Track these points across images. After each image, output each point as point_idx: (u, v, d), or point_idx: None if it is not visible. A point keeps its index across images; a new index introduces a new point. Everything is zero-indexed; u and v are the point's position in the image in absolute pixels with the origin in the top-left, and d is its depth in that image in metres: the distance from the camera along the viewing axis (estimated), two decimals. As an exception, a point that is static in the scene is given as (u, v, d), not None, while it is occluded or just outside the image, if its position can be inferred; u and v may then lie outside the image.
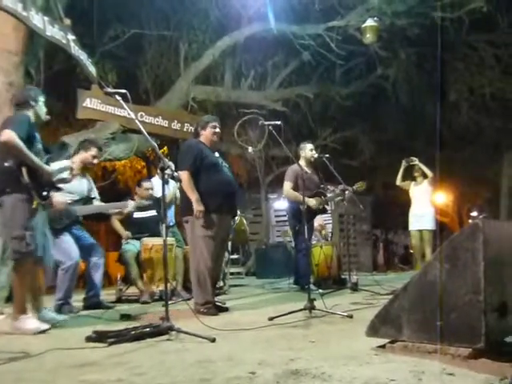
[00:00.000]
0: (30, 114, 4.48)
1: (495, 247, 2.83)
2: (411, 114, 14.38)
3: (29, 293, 4.37)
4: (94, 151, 6.14)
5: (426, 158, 9.94)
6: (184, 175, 5.19)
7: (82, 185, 6.01)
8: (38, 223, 4.32)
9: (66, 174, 5.09)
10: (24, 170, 4.15)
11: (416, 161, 9.46)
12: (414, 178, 9.70)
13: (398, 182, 9.68)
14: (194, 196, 5.15)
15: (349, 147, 15.82)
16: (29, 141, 4.23)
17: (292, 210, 7.50)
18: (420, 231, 9.48)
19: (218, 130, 5.58)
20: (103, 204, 6.37)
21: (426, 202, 9.53)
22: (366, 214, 16.31)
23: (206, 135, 5.53)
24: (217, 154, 5.57)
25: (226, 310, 5.40)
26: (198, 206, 5.12)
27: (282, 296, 7.20)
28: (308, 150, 7.61)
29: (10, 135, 4.08)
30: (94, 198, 6.23)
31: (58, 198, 5.13)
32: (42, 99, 4.62)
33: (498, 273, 2.87)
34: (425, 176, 9.57)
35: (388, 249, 22.26)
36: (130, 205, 6.43)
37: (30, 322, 4.20)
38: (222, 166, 5.49)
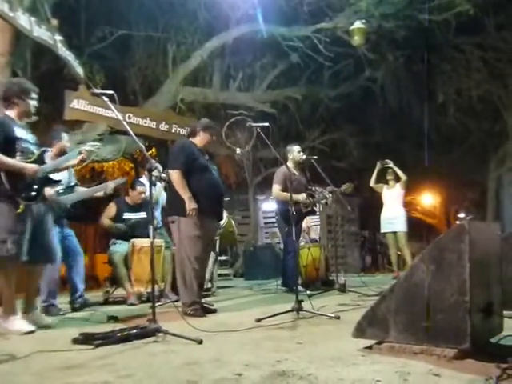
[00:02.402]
0: (12, 112, 4.38)
1: (481, 248, 2.85)
2: (399, 115, 14.45)
3: (24, 294, 4.43)
4: (66, 137, 6.03)
5: (413, 160, 9.99)
6: (175, 174, 5.16)
7: (63, 173, 5.89)
8: (28, 226, 4.23)
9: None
10: (3, 176, 4.12)
11: (390, 163, 9.53)
12: (386, 182, 9.77)
13: (372, 183, 9.76)
14: (186, 194, 5.09)
15: (337, 149, 15.87)
16: (7, 142, 4.19)
17: (281, 211, 7.49)
18: (394, 233, 9.58)
19: (214, 138, 5.57)
20: (86, 189, 6.32)
21: (398, 205, 9.65)
22: (354, 215, 16.35)
23: (203, 138, 5.45)
24: (207, 157, 5.51)
25: (213, 311, 5.37)
26: (190, 204, 5.05)
27: (270, 297, 7.19)
28: (296, 153, 7.60)
29: None
30: (75, 185, 6.16)
31: (47, 192, 4.78)
32: (32, 95, 4.44)
33: (484, 274, 2.89)
34: (397, 180, 9.65)
35: (376, 250, 22.29)
36: (110, 185, 6.43)
37: (17, 323, 4.18)
38: (211, 168, 5.44)
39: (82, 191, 6.21)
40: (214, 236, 5.85)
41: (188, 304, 5.11)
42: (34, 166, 4.24)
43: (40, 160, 4.38)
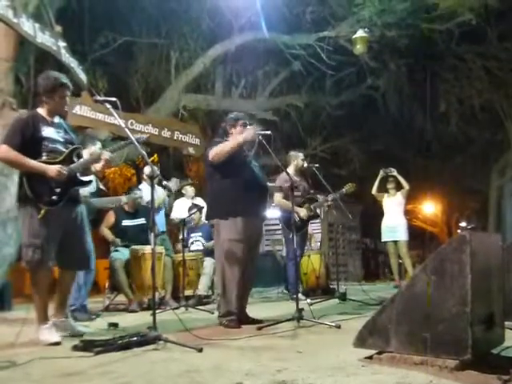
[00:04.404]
0: (42, 109, 4.22)
1: (482, 259, 2.84)
2: (401, 124, 14.46)
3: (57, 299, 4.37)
4: (99, 144, 5.87)
5: (415, 168, 9.97)
6: (212, 153, 4.92)
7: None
8: (54, 231, 4.07)
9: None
10: (24, 179, 4.01)
11: (394, 172, 9.44)
12: (386, 190, 9.73)
13: (374, 191, 9.69)
14: (235, 140, 4.89)
15: (338, 157, 15.88)
16: (33, 143, 4.04)
17: (284, 219, 7.49)
18: (395, 242, 9.54)
19: (249, 127, 5.15)
20: (102, 198, 6.34)
21: (400, 213, 9.60)
22: (355, 223, 16.35)
23: (236, 134, 5.12)
24: (246, 152, 5.20)
25: (259, 322, 4.87)
26: (248, 132, 4.88)
27: (271, 305, 7.19)
28: (300, 160, 7.59)
29: (0, 152, 4.01)
30: (101, 190, 6.13)
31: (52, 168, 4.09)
32: (60, 92, 4.19)
33: (485, 285, 2.89)
34: (398, 188, 9.62)
35: (377, 258, 22.26)
36: (123, 199, 6.47)
37: (45, 332, 4.04)
38: (250, 166, 5.15)
39: (99, 199, 6.22)
40: (258, 236, 5.35)
41: (223, 314, 4.88)
42: (56, 168, 4.00)
43: (68, 160, 4.17)
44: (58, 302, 4.41)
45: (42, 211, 3.98)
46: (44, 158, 4.07)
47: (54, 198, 4.05)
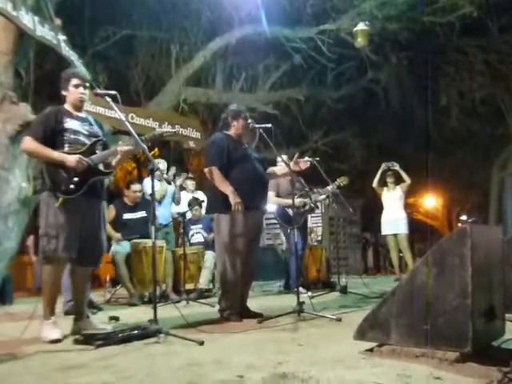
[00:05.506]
0: (66, 104, 4.26)
1: (483, 252, 2.84)
2: (402, 117, 14.43)
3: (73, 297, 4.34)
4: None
5: (416, 162, 9.95)
6: (214, 171, 4.87)
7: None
8: (71, 221, 4.00)
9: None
10: (44, 169, 4.02)
11: (396, 166, 9.41)
12: (385, 184, 9.70)
13: (375, 184, 9.66)
14: (228, 189, 4.77)
15: (339, 150, 15.87)
16: (54, 134, 4.07)
17: (279, 214, 7.49)
18: (395, 235, 9.53)
19: (250, 121, 5.16)
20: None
21: (400, 207, 9.57)
22: (356, 217, 16.37)
23: (237, 127, 5.13)
24: (245, 146, 5.18)
25: (260, 315, 4.88)
26: (234, 199, 4.73)
27: (271, 299, 7.20)
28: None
29: (24, 144, 4.10)
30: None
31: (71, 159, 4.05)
32: (73, 82, 4.22)
33: (486, 278, 2.89)
34: (397, 183, 9.61)
35: (378, 252, 22.29)
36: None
37: (46, 328, 3.97)
38: (250, 159, 5.11)
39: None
40: (259, 229, 5.29)
41: (224, 308, 4.89)
42: (75, 157, 3.98)
43: (91, 151, 4.15)
44: (74, 300, 4.36)
45: (60, 199, 3.96)
46: (66, 148, 4.07)
47: (71, 186, 4.01)
